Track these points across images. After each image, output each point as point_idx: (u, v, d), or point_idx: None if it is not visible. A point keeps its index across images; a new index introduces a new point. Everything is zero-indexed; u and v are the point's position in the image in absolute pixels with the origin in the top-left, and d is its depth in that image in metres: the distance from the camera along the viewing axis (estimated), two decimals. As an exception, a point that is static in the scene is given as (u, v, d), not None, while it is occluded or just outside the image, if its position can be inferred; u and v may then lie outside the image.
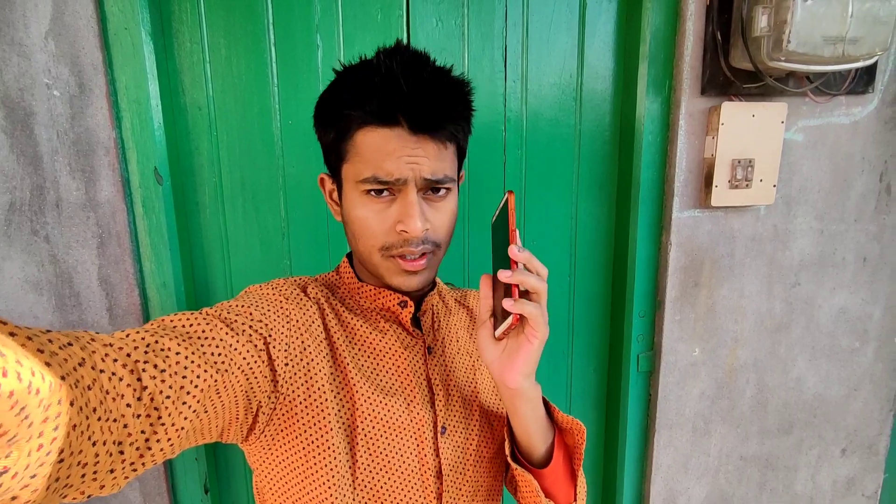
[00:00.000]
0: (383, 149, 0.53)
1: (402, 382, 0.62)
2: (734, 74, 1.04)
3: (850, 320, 1.26)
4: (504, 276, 0.50)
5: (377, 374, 0.61)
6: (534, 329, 0.52)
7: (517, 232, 0.52)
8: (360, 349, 0.61)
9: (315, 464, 0.55)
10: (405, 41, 1.03)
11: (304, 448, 0.56)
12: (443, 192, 0.58)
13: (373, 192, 0.55)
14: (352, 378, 0.58)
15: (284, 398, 0.54)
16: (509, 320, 0.51)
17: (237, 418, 0.51)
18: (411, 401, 0.61)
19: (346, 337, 0.61)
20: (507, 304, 0.50)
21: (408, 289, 0.60)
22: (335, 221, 1.06)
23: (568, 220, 1.18)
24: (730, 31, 1.02)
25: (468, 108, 0.58)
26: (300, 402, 0.55)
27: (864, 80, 1.10)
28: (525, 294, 0.52)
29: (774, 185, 1.10)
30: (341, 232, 1.06)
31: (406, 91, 0.52)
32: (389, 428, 0.59)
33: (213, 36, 0.96)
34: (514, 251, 0.50)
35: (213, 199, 1.02)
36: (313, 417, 0.55)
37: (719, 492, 1.29)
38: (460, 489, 0.63)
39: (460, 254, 1.14)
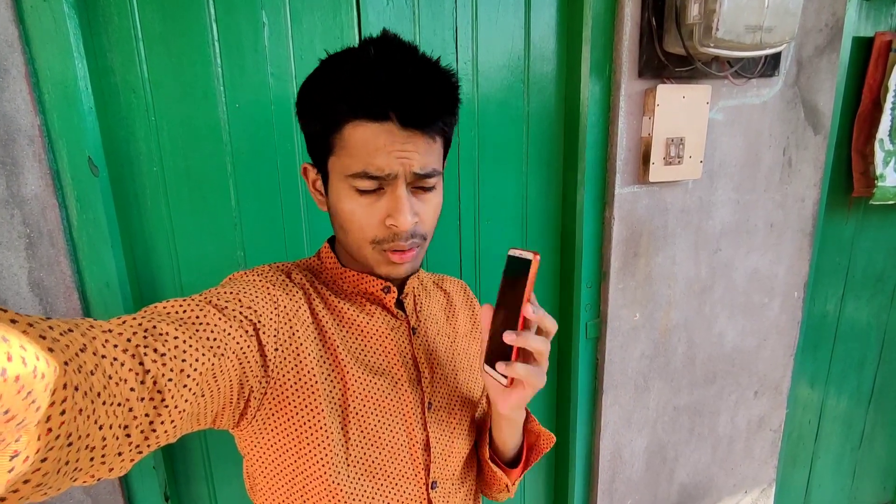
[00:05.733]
0: (373, 144, 0.53)
1: (389, 362, 0.64)
2: (667, 58, 1.12)
3: (761, 279, 1.43)
4: (509, 338, 0.51)
5: (366, 355, 0.63)
6: (531, 384, 0.55)
7: (534, 295, 0.52)
8: (348, 331, 0.63)
9: (308, 444, 0.57)
10: (356, 22, 1.01)
11: (296, 430, 0.57)
12: (430, 185, 0.59)
13: (361, 189, 0.55)
14: (342, 360, 0.60)
15: (275, 383, 0.55)
16: (502, 380, 0.53)
17: (231, 402, 0.51)
18: (398, 380, 0.64)
19: (335, 320, 0.62)
20: (500, 367, 0.52)
21: (395, 277, 0.62)
22: (289, 209, 1.02)
23: (520, 198, 1.22)
24: (664, 17, 1.09)
25: (456, 102, 0.58)
26: (290, 387, 0.56)
27: (772, 64, 1.23)
28: (526, 352, 0.54)
29: (701, 161, 1.21)
30: (297, 220, 1.03)
31: (396, 86, 0.52)
32: (379, 406, 0.61)
33: (144, 11, 0.87)
34: (529, 311, 0.51)
35: (154, 189, 0.94)
36: (304, 400, 0.57)
37: (657, 441, 1.43)
38: (446, 459, 0.67)
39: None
